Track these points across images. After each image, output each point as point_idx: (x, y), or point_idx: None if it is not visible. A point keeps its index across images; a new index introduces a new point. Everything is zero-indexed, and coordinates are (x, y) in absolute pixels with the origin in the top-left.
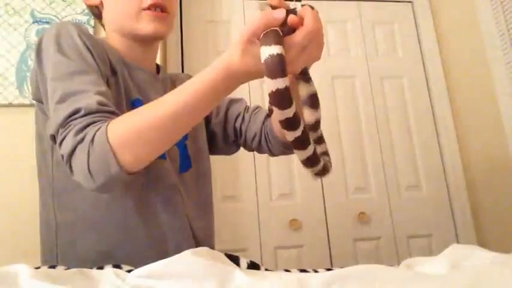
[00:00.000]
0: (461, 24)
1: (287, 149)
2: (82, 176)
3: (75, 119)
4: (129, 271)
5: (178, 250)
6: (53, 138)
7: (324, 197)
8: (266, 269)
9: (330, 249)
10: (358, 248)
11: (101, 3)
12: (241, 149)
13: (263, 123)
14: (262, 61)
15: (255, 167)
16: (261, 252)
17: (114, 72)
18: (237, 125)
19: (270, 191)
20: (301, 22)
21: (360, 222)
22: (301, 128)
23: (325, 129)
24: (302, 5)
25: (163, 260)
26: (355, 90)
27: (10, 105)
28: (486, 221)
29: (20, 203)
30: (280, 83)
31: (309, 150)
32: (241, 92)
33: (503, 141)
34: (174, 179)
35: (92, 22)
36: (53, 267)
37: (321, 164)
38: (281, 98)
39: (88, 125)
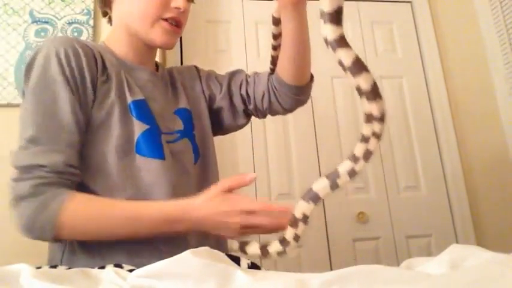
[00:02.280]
0: (460, 24)
1: (298, 93)
2: (19, 222)
3: (40, 171)
4: (130, 271)
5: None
6: (14, 167)
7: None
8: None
9: (329, 249)
10: (357, 248)
11: None
12: (241, 149)
13: (268, 80)
14: None
15: (254, 166)
16: None
17: (107, 77)
18: (243, 91)
19: (269, 190)
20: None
21: (359, 222)
22: None
23: (324, 129)
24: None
25: (164, 259)
26: (355, 90)
27: (9, 105)
28: (485, 221)
29: None
30: None
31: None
32: None
33: (503, 141)
34: (173, 179)
35: (92, 22)
36: (54, 266)
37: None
38: None
39: (49, 184)
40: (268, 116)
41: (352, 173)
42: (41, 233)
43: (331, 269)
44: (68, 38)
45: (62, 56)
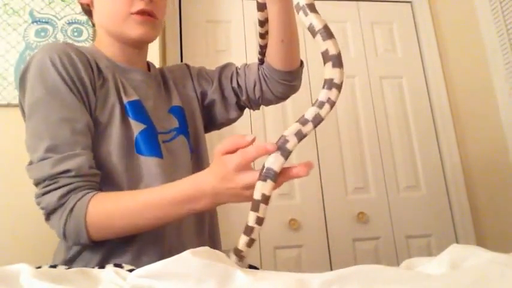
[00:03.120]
0: (460, 24)
1: (289, 79)
2: (56, 232)
3: (64, 177)
4: (130, 270)
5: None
6: (34, 181)
7: (323, 197)
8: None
9: (329, 249)
10: (357, 248)
11: (91, 2)
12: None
13: (258, 69)
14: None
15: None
16: (260, 252)
17: (104, 79)
18: (234, 83)
19: None
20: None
21: (359, 222)
22: None
23: (324, 129)
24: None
25: (164, 259)
26: (355, 90)
27: (9, 105)
28: (485, 221)
29: (20, 203)
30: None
31: None
32: None
33: (503, 140)
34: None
35: (92, 22)
36: (54, 266)
37: None
38: None
39: (73, 189)
40: (269, 116)
41: (299, 135)
42: (77, 239)
43: (331, 269)
44: (59, 44)
45: (59, 65)
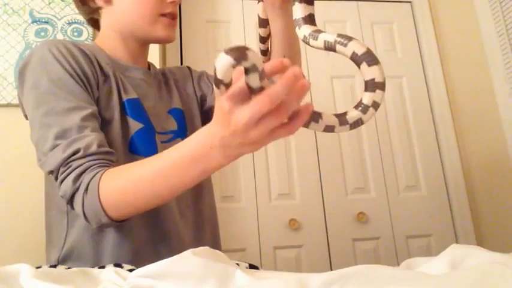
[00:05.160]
0: (460, 24)
1: None
2: (81, 216)
3: (75, 159)
4: (130, 270)
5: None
6: (51, 172)
7: (323, 197)
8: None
9: (329, 249)
10: (357, 248)
11: (109, 1)
12: None
13: None
14: None
15: (254, 167)
16: (260, 252)
17: (106, 76)
18: None
19: (269, 190)
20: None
21: (359, 222)
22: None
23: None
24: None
25: (165, 259)
26: (355, 90)
27: (9, 105)
28: (485, 220)
29: (20, 203)
30: None
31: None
32: None
33: (503, 140)
34: None
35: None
36: (54, 266)
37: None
38: None
39: (85, 170)
40: None
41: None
42: (98, 219)
43: (331, 269)
44: (58, 40)
45: (61, 58)
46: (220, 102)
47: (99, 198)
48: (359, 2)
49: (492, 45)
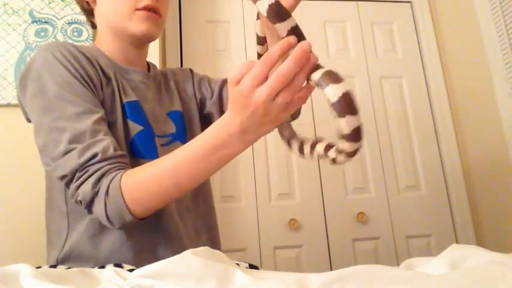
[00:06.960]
0: (460, 24)
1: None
2: (102, 220)
3: (93, 164)
4: (130, 270)
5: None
6: (64, 177)
7: (323, 197)
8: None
9: (329, 249)
10: (357, 248)
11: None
12: None
13: None
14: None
15: (254, 167)
16: (260, 252)
17: (107, 78)
18: None
19: (269, 191)
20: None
21: (358, 222)
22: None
23: (324, 129)
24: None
25: (165, 259)
26: (354, 90)
27: (9, 105)
28: (485, 220)
29: (20, 203)
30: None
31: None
32: None
33: (502, 141)
34: None
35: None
36: (54, 266)
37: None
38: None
39: (104, 174)
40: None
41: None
42: (122, 219)
43: (331, 269)
44: (58, 42)
45: (64, 61)
46: (240, 85)
47: (123, 196)
48: (359, 2)
49: (492, 45)
